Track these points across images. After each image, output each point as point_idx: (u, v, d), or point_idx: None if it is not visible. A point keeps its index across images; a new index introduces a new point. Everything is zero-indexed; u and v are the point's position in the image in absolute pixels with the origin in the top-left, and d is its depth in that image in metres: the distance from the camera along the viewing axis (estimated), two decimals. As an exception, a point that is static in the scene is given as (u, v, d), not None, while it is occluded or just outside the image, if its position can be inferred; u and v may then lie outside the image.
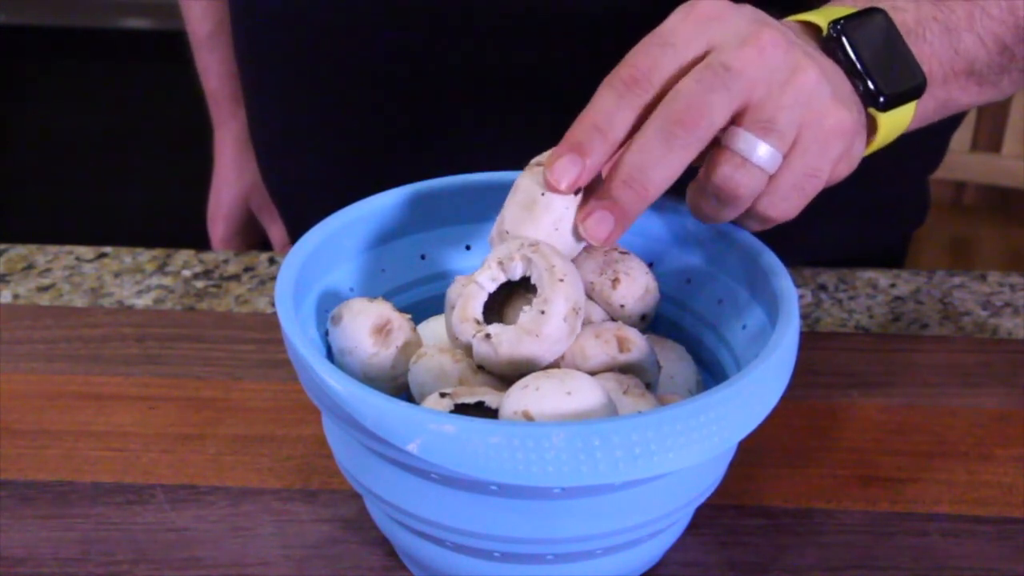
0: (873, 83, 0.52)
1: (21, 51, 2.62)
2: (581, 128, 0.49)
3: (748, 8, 0.51)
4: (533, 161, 0.51)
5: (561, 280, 0.49)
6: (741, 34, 0.49)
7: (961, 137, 1.41)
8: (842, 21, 0.52)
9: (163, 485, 0.59)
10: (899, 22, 0.54)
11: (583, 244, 0.52)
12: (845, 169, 0.52)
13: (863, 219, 0.81)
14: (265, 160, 0.88)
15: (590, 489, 0.45)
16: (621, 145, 0.50)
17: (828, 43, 0.53)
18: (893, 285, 0.75)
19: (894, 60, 0.53)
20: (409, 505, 0.48)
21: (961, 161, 1.42)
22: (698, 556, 0.55)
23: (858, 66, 0.52)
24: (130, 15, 2.63)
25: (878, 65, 0.52)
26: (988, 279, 0.76)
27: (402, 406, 0.44)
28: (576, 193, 0.50)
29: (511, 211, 0.51)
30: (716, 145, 0.49)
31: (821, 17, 0.53)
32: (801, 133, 0.49)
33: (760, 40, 0.49)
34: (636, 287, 0.53)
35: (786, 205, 0.51)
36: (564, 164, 0.49)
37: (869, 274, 0.75)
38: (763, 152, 0.49)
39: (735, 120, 0.49)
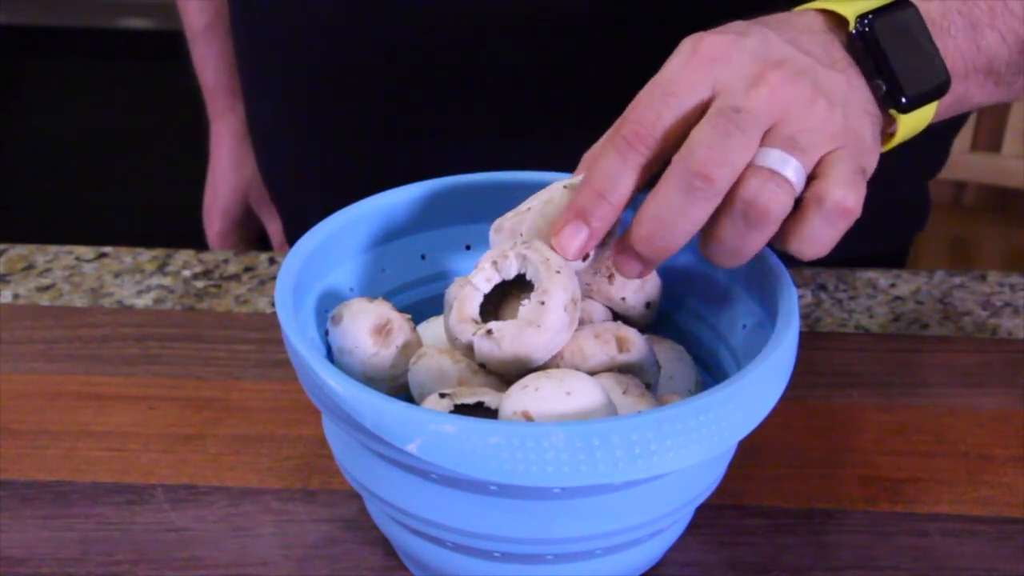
0: (897, 86, 0.51)
1: (21, 51, 2.62)
2: (585, 195, 0.49)
3: (751, 41, 0.49)
4: (573, 180, 0.52)
5: (558, 272, 0.49)
6: (747, 75, 0.48)
7: (961, 137, 1.41)
8: (870, 16, 0.50)
9: (163, 485, 0.59)
10: (923, 11, 0.52)
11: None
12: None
13: (864, 222, 0.81)
14: (263, 157, 0.88)
15: (590, 489, 0.45)
16: (630, 200, 0.49)
17: (854, 40, 0.51)
18: (893, 285, 0.75)
19: (919, 58, 0.52)
20: (409, 505, 0.48)
21: (961, 161, 1.42)
22: (698, 556, 0.55)
23: (884, 69, 0.51)
24: (130, 15, 2.63)
25: (903, 66, 0.51)
26: (988, 279, 0.76)
27: (402, 406, 0.44)
28: (584, 259, 0.51)
29: (534, 219, 0.51)
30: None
31: (848, 8, 0.51)
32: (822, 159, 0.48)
33: (767, 80, 0.48)
34: None
35: (816, 240, 0.49)
36: (570, 233, 0.49)
37: (869, 274, 0.75)
38: (792, 166, 0.47)
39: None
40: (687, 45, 0.50)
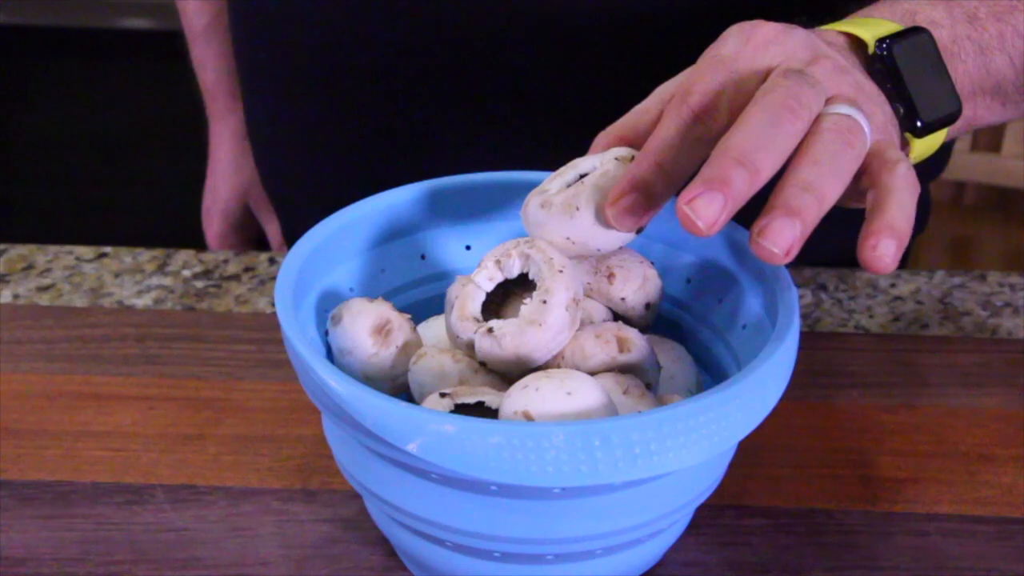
0: (914, 110, 0.52)
1: (21, 51, 2.62)
2: (644, 165, 0.48)
3: (800, 32, 0.50)
4: (622, 152, 0.50)
5: (561, 271, 0.49)
6: (802, 58, 0.49)
7: (961, 137, 1.41)
8: (888, 40, 0.52)
9: (163, 485, 0.59)
10: (936, 38, 0.53)
11: (623, 238, 0.51)
12: None
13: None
14: (262, 158, 0.88)
15: (590, 489, 0.45)
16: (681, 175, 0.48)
17: (873, 62, 0.52)
18: (893, 285, 0.75)
19: (934, 85, 0.53)
20: (409, 505, 0.48)
21: (961, 161, 1.42)
22: (698, 556, 0.55)
23: (902, 93, 0.52)
24: (130, 15, 2.63)
25: (919, 91, 0.52)
26: (988, 279, 0.76)
27: (402, 406, 0.44)
28: (638, 232, 0.50)
29: (591, 192, 0.49)
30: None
31: (866, 32, 0.53)
32: None
33: (821, 64, 0.49)
34: (633, 278, 0.54)
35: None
36: (627, 204, 0.48)
37: (869, 274, 0.75)
38: (862, 117, 0.46)
39: None
40: (739, 29, 0.50)
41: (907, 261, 0.89)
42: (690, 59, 0.54)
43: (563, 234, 0.50)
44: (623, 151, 0.51)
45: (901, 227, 0.46)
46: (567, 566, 0.49)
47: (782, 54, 0.49)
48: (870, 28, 0.53)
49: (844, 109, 0.47)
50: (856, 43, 0.53)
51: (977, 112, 0.57)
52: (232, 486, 0.59)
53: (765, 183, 0.45)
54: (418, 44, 0.74)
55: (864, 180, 0.47)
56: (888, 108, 0.52)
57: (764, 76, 0.48)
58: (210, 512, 0.57)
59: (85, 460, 0.60)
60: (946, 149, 0.84)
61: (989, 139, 1.44)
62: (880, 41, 0.52)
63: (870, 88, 0.51)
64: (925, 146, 0.53)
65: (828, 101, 0.47)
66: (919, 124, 0.52)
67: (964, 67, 0.55)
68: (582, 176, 0.51)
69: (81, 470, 0.60)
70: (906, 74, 0.51)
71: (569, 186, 0.51)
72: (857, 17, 0.54)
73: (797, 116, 0.45)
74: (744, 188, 0.44)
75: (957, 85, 0.54)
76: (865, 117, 0.47)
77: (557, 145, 0.73)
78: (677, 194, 0.46)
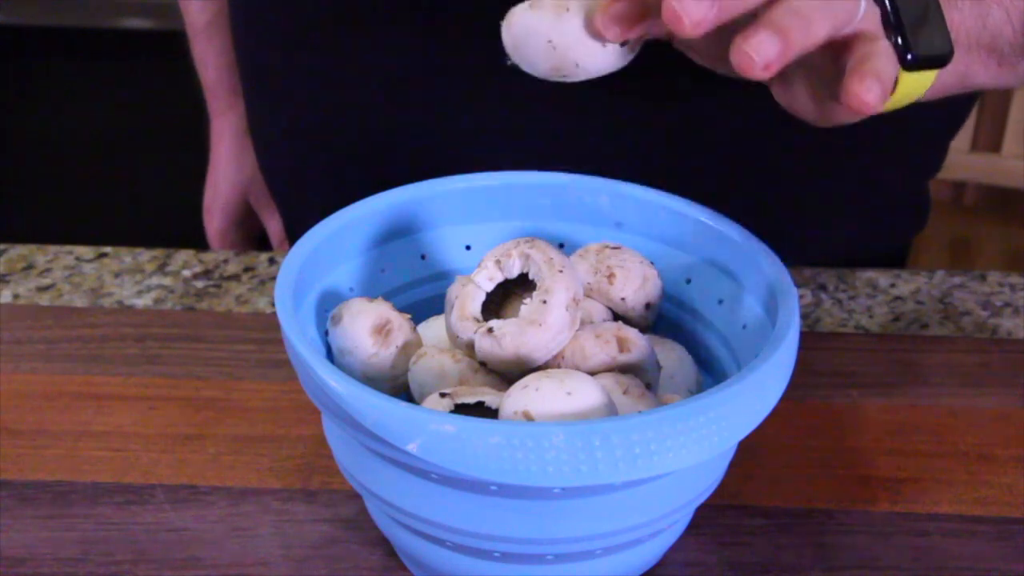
0: (906, 40, 0.51)
1: (21, 51, 2.62)
2: None
3: None
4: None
5: (560, 271, 0.49)
6: None
7: (961, 137, 1.41)
8: None
9: (163, 485, 0.59)
10: None
11: (613, 54, 0.49)
12: None
13: (863, 223, 0.81)
14: (264, 156, 0.88)
15: (590, 489, 0.45)
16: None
17: None
18: (893, 285, 0.75)
19: (930, 24, 0.53)
20: (409, 505, 0.48)
21: (961, 161, 1.42)
22: (698, 556, 0.55)
23: (898, 23, 0.51)
24: (130, 15, 2.63)
25: (914, 25, 0.52)
26: (988, 279, 0.76)
27: (402, 406, 0.44)
28: (623, 45, 0.48)
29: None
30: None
31: None
32: None
33: None
34: (633, 278, 0.54)
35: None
36: (620, 9, 0.47)
37: (869, 274, 0.75)
38: None
39: None
40: None
41: (907, 261, 0.89)
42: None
43: (546, 36, 0.48)
44: None
45: (884, 76, 0.48)
46: (567, 566, 0.49)
47: None
48: None
49: None
50: None
51: (972, 67, 0.57)
52: (232, 486, 0.59)
53: (817, 46, 0.47)
54: (418, 44, 0.73)
55: (844, 55, 0.49)
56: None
57: None
58: (210, 512, 0.57)
59: (85, 460, 0.60)
60: (943, 144, 0.84)
61: (989, 139, 1.44)
62: None
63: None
64: (912, 85, 0.53)
65: None
66: (909, 57, 0.52)
67: (960, 16, 0.55)
68: None
69: (81, 470, 0.60)
70: (901, 5, 0.52)
71: None
72: None
73: (839, 5, 0.47)
74: (800, 40, 0.46)
75: (952, 34, 0.54)
76: None
77: (558, 145, 0.73)
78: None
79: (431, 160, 0.64)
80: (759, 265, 0.52)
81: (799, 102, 0.53)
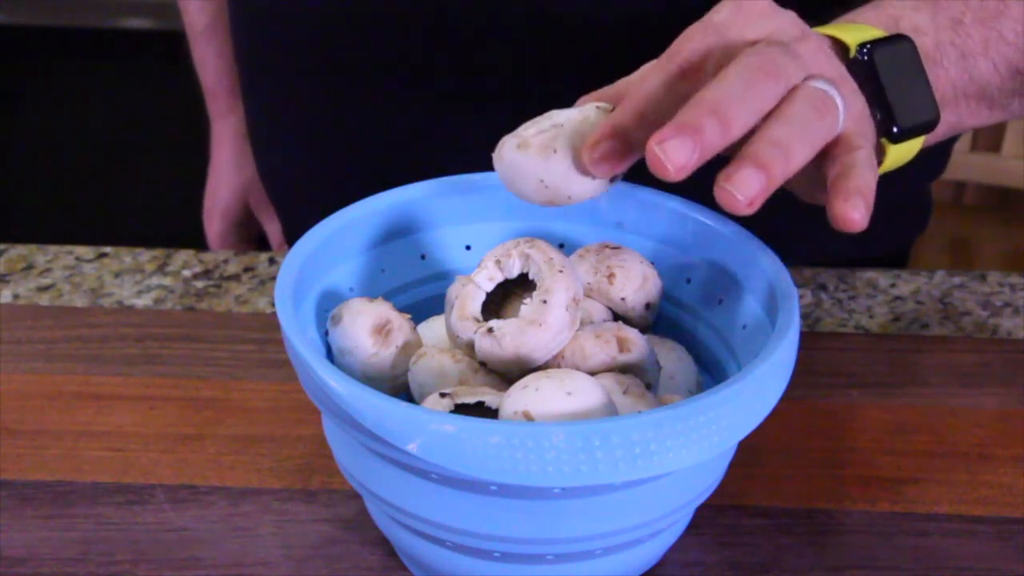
0: (891, 115, 0.52)
1: (21, 51, 2.62)
2: (626, 113, 0.48)
3: (792, 13, 0.51)
4: (603, 104, 0.50)
5: (560, 271, 0.49)
6: (791, 34, 0.50)
7: (961, 137, 1.41)
8: (870, 45, 0.52)
9: (163, 485, 0.59)
10: (919, 45, 0.53)
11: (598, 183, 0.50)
12: None
13: None
14: (263, 158, 0.88)
15: (590, 489, 0.45)
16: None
17: (854, 65, 0.52)
18: (893, 285, 0.75)
19: (913, 92, 0.53)
20: (409, 505, 0.48)
21: (961, 161, 1.42)
22: (698, 556, 0.55)
23: (882, 97, 0.52)
24: (130, 15, 2.63)
25: (898, 97, 0.52)
26: (988, 279, 0.76)
27: (402, 406, 0.44)
28: (612, 181, 0.49)
29: (569, 135, 0.49)
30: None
31: (849, 36, 0.53)
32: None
33: (809, 41, 0.50)
34: (633, 278, 0.54)
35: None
36: (606, 149, 0.48)
37: (869, 274, 0.75)
38: (838, 96, 0.47)
39: None
40: (731, 2, 0.50)
41: (907, 261, 0.89)
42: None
43: (537, 176, 0.49)
44: (604, 104, 0.50)
45: (867, 190, 0.47)
46: (567, 566, 0.49)
47: (772, 27, 0.50)
48: (853, 33, 0.53)
49: (822, 84, 0.47)
50: (839, 47, 0.53)
51: (961, 117, 0.57)
52: (232, 486, 0.59)
53: (736, 139, 0.46)
54: (418, 43, 0.74)
55: (826, 164, 0.48)
56: (867, 107, 0.52)
57: (751, 45, 0.48)
58: (210, 512, 0.57)
59: (85, 460, 0.60)
60: (946, 148, 0.85)
61: (989, 139, 1.44)
62: (861, 46, 0.52)
63: (852, 82, 0.51)
64: (900, 153, 0.53)
65: (808, 78, 0.48)
66: (895, 130, 0.52)
67: (946, 73, 0.55)
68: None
69: (81, 470, 0.60)
70: (885, 79, 0.52)
71: (545, 131, 0.50)
72: (841, 22, 0.54)
73: (774, 80, 0.46)
74: (714, 138, 0.45)
75: (939, 91, 0.54)
76: (841, 97, 0.48)
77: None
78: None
79: (431, 160, 0.64)
80: (759, 265, 0.52)
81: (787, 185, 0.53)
